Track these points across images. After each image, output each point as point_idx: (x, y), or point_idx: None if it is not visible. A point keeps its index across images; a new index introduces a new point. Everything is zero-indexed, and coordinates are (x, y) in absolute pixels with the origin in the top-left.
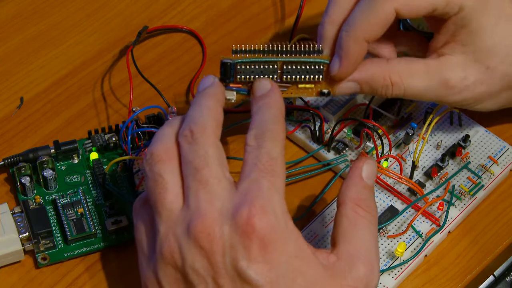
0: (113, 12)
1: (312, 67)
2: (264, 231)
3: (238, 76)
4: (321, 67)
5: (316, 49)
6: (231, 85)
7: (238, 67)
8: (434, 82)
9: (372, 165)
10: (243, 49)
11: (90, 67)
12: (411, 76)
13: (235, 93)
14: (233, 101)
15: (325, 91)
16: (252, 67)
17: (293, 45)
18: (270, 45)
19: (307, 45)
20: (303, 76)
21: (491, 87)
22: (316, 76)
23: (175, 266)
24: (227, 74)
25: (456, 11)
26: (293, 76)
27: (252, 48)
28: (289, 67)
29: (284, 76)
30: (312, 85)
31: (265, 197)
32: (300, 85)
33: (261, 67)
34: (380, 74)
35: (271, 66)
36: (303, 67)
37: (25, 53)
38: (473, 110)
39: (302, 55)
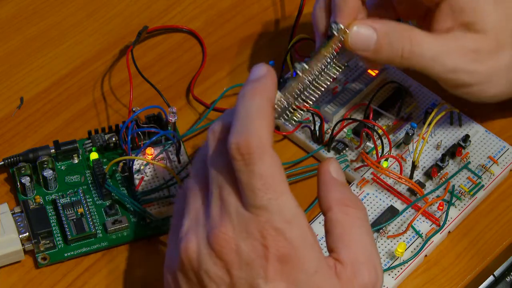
0: (113, 12)
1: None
2: (281, 252)
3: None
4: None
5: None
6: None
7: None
8: (450, 47)
9: (335, 162)
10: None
11: (90, 67)
12: (428, 38)
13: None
14: (300, 118)
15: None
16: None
17: (315, 53)
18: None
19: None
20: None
21: (500, 62)
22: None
23: (191, 267)
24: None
25: None
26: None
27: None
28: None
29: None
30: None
31: (276, 220)
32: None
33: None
34: (401, 29)
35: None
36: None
37: (25, 53)
38: (479, 98)
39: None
